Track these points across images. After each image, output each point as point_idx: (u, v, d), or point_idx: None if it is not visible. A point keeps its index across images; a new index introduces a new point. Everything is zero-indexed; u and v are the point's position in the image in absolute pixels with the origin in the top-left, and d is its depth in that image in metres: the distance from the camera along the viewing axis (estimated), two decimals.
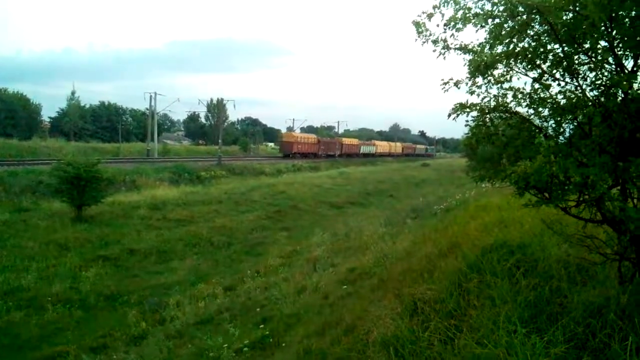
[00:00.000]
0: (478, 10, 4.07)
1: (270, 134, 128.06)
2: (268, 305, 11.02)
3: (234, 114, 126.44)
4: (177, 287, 14.71)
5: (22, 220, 20.36)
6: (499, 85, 4.50)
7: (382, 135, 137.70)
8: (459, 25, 4.15)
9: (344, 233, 20.52)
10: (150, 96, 57.58)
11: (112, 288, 14.84)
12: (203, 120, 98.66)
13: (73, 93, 78.88)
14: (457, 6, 4.08)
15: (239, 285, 14.32)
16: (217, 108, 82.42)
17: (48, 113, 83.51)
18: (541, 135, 4.22)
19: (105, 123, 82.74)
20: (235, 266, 17.71)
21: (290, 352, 7.02)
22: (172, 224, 23.03)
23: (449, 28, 4.26)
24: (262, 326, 9.19)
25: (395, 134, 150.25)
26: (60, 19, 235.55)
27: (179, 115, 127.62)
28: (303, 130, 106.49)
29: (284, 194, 33.54)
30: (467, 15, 4.06)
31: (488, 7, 4.02)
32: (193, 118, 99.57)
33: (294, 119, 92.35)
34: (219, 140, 54.70)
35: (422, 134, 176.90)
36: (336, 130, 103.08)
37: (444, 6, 4.09)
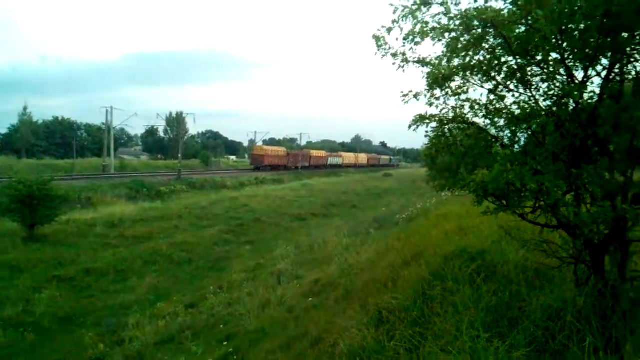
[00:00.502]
0: (435, 25, 4.18)
1: (232, 147, 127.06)
2: (232, 321, 10.81)
3: (194, 128, 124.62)
4: (136, 306, 14.22)
5: None
6: (457, 97, 4.62)
7: (345, 147, 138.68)
8: (417, 39, 4.24)
9: (308, 245, 20.45)
10: (107, 110, 55.98)
11: (68, 309, 14.20)
12: (162, 134, 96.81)
13: (25, 109, 75.99)
14: (415, 20, 4.16)
15: (201, 302, 13.97)
16: (176, 122, 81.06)
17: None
18: (498, 144, 4.35)
19: (59, 139, 79.92)
20: (198, 283, 17.31)
21: None
22: (130, 242, 22.31)
23: (408, 42, 4.34)
24: (225, 343, 9.00)
25: (357, 145, 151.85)
26: (8, 32, 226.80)
27: (137, 129, 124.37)
28: (265, 142, 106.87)
29: (247, 207, 33.17)
30: (425, 29, 4.16)
31: (445, 21, 4.12)
32: (151, 132, 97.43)
33: (255, 132, 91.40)
34: (179, 155, 53.68)
35: (384, 144, 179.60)
36: (299, 142, 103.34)
37: (402, 20, 4.17)
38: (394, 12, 4.05)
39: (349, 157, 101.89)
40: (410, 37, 4.26)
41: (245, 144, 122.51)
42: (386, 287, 6.63)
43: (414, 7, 4.01)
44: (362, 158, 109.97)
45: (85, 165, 56.94)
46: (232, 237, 25.21)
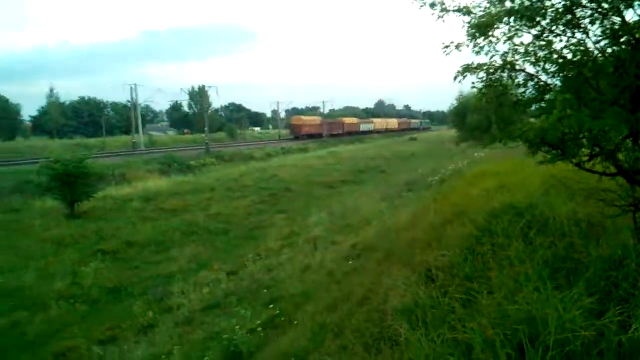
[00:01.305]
0: None
1: (255, 118, 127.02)
2: (274, 286, 11.05)
3: (217, 101, 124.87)
4: (179, 275, 14.68)
5: (15, 220, 20.16)
6: (506, 42, 4.45)
7: (368, 112, 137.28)
8: None
9: (340, 211, 20.57)
10: (131, 87, 56.59)
11: (114, 281, 14.79)
12: (186, 109, 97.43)
13: (51, 90, 77.48)
14: None
15: (241, 269, 14.33)
16: (199, 96, 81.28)
17: (28, 112, 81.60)
18: (555, 89, 4.19)
19: (87, 118, 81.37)
20: (235, 251, 17.69)
21: (304, 328, 7.06)
22: (167, 214, 22.92)
23: None
24: (271, 306, 9.23)
25: (381, 110, 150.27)
26: (31, 16, 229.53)
27: (161, 105, 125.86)
28: (288, 112, 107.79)
29: (276, 177, 33.48)
30: None
31: None
32: (176, 107, 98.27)
33: (278, 102, 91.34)
34: (205, 128, 54.13)
35: (408, 108, 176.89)
36: (321, 110, 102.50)
37: None
38: None
39: (380, 123, 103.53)
40: None
41: (268, 114, 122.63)
42: (430, 246, 6.62)
43: None
44: (393, 123, 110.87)
45: (115, 142, 58.11)
46: (264, 207, 25.57)
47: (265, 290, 10.83)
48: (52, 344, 10.78)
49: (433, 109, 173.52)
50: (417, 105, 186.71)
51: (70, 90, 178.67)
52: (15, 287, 13.81)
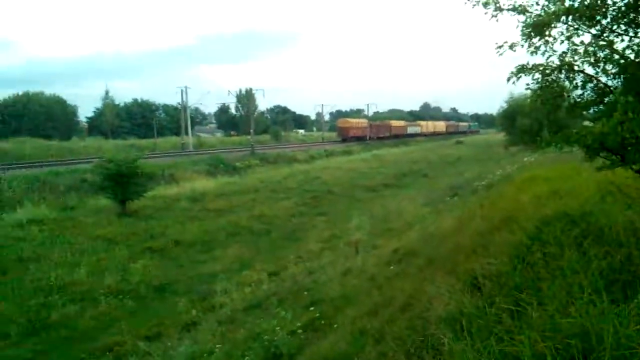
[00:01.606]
0: None
1: (300, 120, 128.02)
2: (315, 288, 11.04)
3: (263, 103, 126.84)
4: (222, 275, 14.93)
5: (70, 218, 21.17)
6: (564, 42, 4.25)
7: (413, 115, 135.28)
8: None
9: (382, 215, 20.39)
10: (182, 90, 58.31)
11: (161, 278, 15.23)
12: (233, 111, 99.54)
13: (107, 92, 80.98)
14: None
15: (282, 271, 14.43)
16: (246, 98, 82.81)
17: (84, 114, 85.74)
18: (617, 92, 3.96)
19: (140, 120, 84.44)
20: (277, 252, 17.84)
21: (344, 332, 7.00)
22: (213, 214, 23.45)
23: None
24: (311, 309, 9.21)
25: (426, 112, 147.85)
26: (89, 22, 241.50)
27: (210, 108, 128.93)
28: (332, 115, 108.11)
29: (319, 179, 33.60)
30: None
31: None
32: (224, 110, 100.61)
33: (322, 105, 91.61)
34: (251, 130, 55.05)
35: (454, 111, 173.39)
36: (365, 112, 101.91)
37: None
38: None
39: (427, 126, 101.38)
40: None
41: (313, 117, 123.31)
42: (475, 253, 6.40)
43: None
44: (441, 126, 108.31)
45: (165, 143, 60.01)
46: (306, 209, 25.70)
47: (306, 293, 10.84)
48: (100, 338, 11.21)
49: (481, 111, 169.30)
50: (464, 108, 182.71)
51: (125, 92, 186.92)
52: (68, 282, 14.45)
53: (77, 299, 13.57)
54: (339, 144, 65.83)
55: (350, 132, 72.55)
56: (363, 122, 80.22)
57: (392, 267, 10.12)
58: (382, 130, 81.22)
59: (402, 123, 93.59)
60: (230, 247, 18.59)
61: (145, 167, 25.30)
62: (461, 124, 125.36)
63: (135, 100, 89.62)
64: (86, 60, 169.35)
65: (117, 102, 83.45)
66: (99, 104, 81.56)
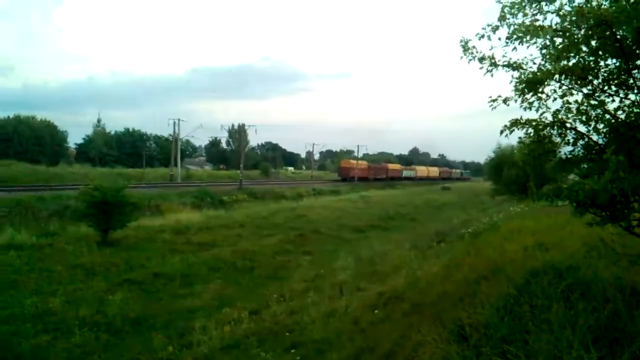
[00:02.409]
0: (545, 24, 3.98)
1: (290, 158, 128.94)
2: (296, 330, 10.78)
3: (255, 139, 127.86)
4: (202, 311, 14.50)
5: (49, 245, 20.64)
6: (556, 100, 4.38)
7: (402, 159, 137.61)
8: (526, 38, 4.04)
9: (369, 257, 20.21)
10: (174, 122, 58.73)
11: (138, 312, 14.72)
12: (224, 145, 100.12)
13: (99, 120, 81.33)
14: (524, 17, 3.99)
15: (264, 310, 14.06)
16: (238, 133, 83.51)
17: (74, 140, 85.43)
18: (608, 150, 4.05)
19: (130, 149, 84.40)
20: (259, 290, 17.46)
21: None
22: (196, 248, 23.03)
23: (511, 41, 4.16)
24: (292, 351, 8.97)
25: (415, 157, 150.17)
26: (84, 47, 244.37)
27: (201, 141, 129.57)
28: (321, 154, 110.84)
29: (306, 217, 33.46)
30: (531, 28, 3.96)
31: (555, 20, 3.92)
32: (215, 143, 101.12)
33: (313, 144, 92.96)
34: (241, 165, 55.20)
35: (442, 157, 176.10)
36: (355, 154, 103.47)
37: (511, 16, 4.00)
38: (501, 10, 3.90)
39: (421, 170, 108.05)
40: (515, 36, 4.08)
41: (303, 155, 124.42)
42: (462, 301, 6.36)
43: (524, 4, 3.84)
44: (434, 171, 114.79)
45: (154, 174, 59.73)
46: (291, 247, 25.38)
47: (287, 334, 10.56)
48: None
49: (468, 159, 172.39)
50: (452, 155, 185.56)
51: (118, 121, 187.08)
52: (42, 311, 13.90)
53: (50, 329, 12.99)
54: (327, 184, 66.27)
55: (351, 172, 77.40)
56: (363, 163, 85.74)
57: (376, 311, 9.97)
58: (380, 172, 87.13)
59: (398, 166, 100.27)
60: (211, 283, 18.17)
61: (131, 197, 25.02)
62: (454, 170, 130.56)
63: (127, 130, 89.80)
64: (81, 86, 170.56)
65: (108, 130, 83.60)
66: (89, 131, 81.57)
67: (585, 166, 4.35)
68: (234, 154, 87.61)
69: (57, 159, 70.56)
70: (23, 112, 73.75)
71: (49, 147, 70.86)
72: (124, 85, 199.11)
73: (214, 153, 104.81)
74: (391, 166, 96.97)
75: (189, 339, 12.18)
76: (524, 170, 30.08)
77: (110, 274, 18.25)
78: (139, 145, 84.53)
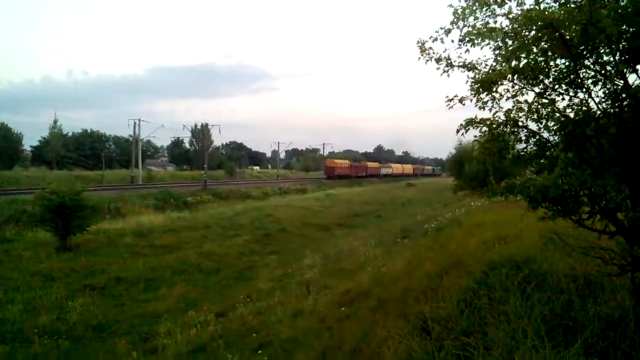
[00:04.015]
0: (490, 26, 4.10)
1: (255, 157, 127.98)
2: (263, 330, 10.74)
3: (219, 139, 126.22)
4: (166, 315, 14.24)
5: (5, 251, 19.81)
6: (510, 99, 4.53)
7: (367, 157, 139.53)
8: (478, 40, 4.15)
9: (335, 255, 20.32)
10: (135, 123, 57.28)
11: (100, 318, 14.34)
12: (187, 145, 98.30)
13: (55, 122, 78.35)
14: (475, 21, 4.10)
15: (231, 311, 13.94)
16: (202, 133, 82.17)
17: (29, 142, 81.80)
18: (557, 148, 4.22)
19: (88, 151, 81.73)
20: (226, 292, 17.31)
21: None
22: (159, 251, 22.59)
23: (464, 43, 4.27)
24: (259, 352, 8.93)
25: (379, 154, 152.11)
26: (38, 46, 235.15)
27: (163, 141, 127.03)
28: (288, 152, 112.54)
29: (272, 217, 33.30)
30: (483, 30, 4.08)
31: (505, 22, 4.05)
32: (177, 144, 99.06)
33: (279, 142, 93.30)
34: (205, 165, 54.34)
35: (406, 154, 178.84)
36: (321, 152, 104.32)
37: (462, 20, 4.11)
38: (454, 14, 4.00)
39: (397, 168, 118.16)
40: (467, 39, 4.19)
41: (268, 154, 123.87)
42: (425, 296, 6.49)
43: (474, 7, 3.95)
44: (408, 168, 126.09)
45: (114, 176, 58.11)
46: (258, 247, 25.25)
47: (254, 335, 10.52)
48: None
49: (432, 156, 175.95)
50: (417, 152, 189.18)
51: (77, 123, 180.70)
52: None
53: (8, 338, 12.50)
54: (291, 182, 66.48)
55: (336, 170, 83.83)
56: (346, 162, 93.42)
57: (343, 309, 10.05)
58: (360, 170, 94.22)
59: (376, 165, 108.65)
60: (176, 286, 17.86)
61: (90, 200, 24.25)
62: (426, 167, 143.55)
63: (85, 131, 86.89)
64: (36, 87, 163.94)
65: (66, 132, 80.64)
66: (46, 133, 78.45)
67: (537, 163, 4.52)
68: (197, 154, 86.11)
69: (12, 162, 67.65)
70: None
71: (3, 150, 67.71)
72: (81, 85, 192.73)
73: (177, 153, 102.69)
74: (370, 164, 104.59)
75: (153, 343, 11.97)
76: (483, 166, 30.83)
77: (70, 279, 17.68)
78: (97, 146, 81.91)
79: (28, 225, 24.17)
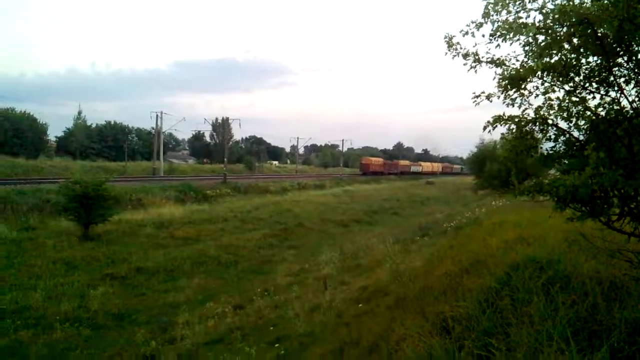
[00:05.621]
0: (528, 21, 4.01)
1: (274, 152, 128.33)
2: (280, 324, 10.79)
3: (239, 133, 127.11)
4: (185, 305, 14.42)
5: (30, 239, 20.33)
6: (539, 96, 4.43)
7: (386, 154, 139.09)
8: (509, 35, 4.06)
9: (352, 251, 20.29)
10: (157, 115, 58.01)
11: (120, 307, 14.61)
12: (208, 139, 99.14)
13: (79, 113, 79.91)
14: (508, 15, 4.01)
15: (248, 304, 14.05)
16: (222, 127, 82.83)
17: (54, 132, 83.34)
18: (589, 146, 4.12)
19: (111, 142, 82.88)
20: (244, 285, 17.44)
21: None
22: (179, 243, 22.89)
23: (495, 38, 4.19)
24: (277, 345, 8.97)
25: (399, 152, 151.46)
26: (64, 39, 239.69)
27: (184, 134, 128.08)
28: (306, 148, 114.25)
29: (290, 212, 33.44)
30: (515, 25, 3.99)
31: (537, 17, 3.95)
32: (198, 137, 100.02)
33: (298, 138, 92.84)
34: (224, 159, 54.78)
35: (426, 152, 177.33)
36: (340, 148, 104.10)
37: (495, 14, 4.02)
38: (485, 7, 3.92)
39: (426, 166, 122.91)
40: (499, 33, 4.10)
41: (287, 149, 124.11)
42: (445, 295, 6.41)
43: (507, 1, 3.86)
44: (437, 167, 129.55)
45: (136, 167, 59.00)
46: (276, 241, 25.39)
47: (271, 328, 10.57)
48: None
49: (452, 154, 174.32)
50: (435, 150, 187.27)
51: (100, 114, 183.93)
52: (22, 306, 13.71)
53: (31, 324, 12.84)
54: (311, 178, 66.62)
55: (370, 167, 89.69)
56: (380, 160, 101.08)
57: (360, 305, 10.01)
58: (392, 168, 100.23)
59: (407, 163, 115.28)
60: (195, 277, 18.09)
61: (113, 191, 24.69)
62: (455, 166, 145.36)
63: (108, 122, 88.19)
64: (62, 78, 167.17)
65: (89, 123, 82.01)
66: (70, 124, 79.93)
67: (566, 162, 4.42)
68: (217, 147, 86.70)
69: (37, 152, 69.08)
70: (1, 105, 71.93)
71: (29, 140, 69.18)
72: (106, 78, 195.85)
73: (197, 147, 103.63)
74: (402, 162, 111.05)
75: (172, 333, 12.14)
76: (505, 165, 30.38)
77: (92, 268, 18.06)
78: (120, 138, 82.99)
79: (52, 214, 24.73)
